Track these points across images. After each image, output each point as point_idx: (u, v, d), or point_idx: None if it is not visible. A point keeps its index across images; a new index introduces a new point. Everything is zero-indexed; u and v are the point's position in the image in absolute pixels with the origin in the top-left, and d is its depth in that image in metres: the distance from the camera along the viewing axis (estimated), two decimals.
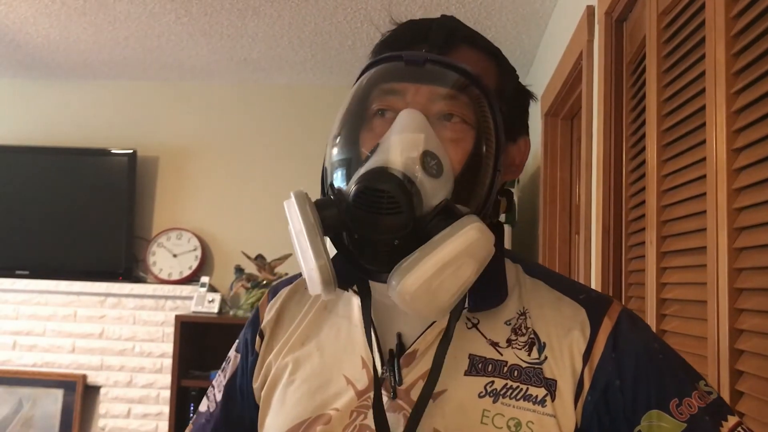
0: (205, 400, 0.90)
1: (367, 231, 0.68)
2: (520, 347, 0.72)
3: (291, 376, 0.79)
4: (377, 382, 0.72)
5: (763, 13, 0.87)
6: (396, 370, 0.73)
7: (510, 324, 0.74)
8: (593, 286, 1.76)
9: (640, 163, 1.44)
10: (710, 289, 0.97)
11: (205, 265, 3.60)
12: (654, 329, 1.22)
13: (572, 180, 2.61)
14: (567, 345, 0.72)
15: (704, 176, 1.03)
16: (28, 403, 3.47)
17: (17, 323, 3.56)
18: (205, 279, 3.46)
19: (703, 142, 1.04)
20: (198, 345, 3.39)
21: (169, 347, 3.38)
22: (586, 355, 0.71)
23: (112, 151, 3.61)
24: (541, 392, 0.70)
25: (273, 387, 0.80)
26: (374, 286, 0.75)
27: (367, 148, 0.72)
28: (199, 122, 3.70)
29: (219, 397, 0.87)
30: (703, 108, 1.05)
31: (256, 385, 0.83)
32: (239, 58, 3.26)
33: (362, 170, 0.69)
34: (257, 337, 0.84)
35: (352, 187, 0.68)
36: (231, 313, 3.38)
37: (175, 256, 3.58)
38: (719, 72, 0.96)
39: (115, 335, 3.52)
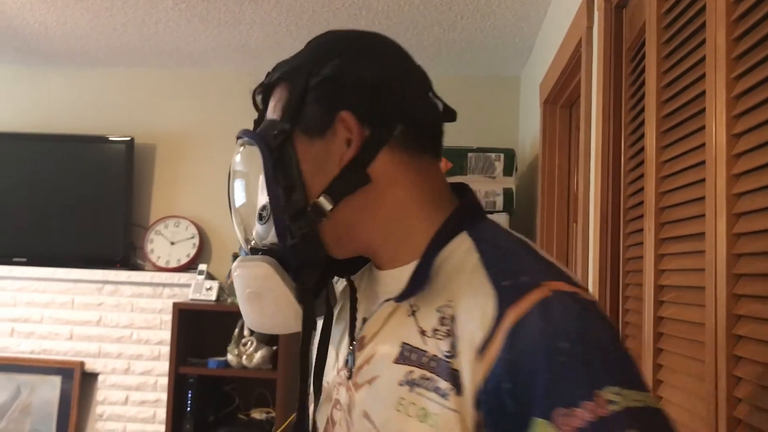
0: None
1: None
2: (441, 337, 0.70)
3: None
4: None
5: None
6: (353, 354, 0.80)
7: (440, 312, 0.71)
8: (591, 275, 1.77)
9: (638, 150, 1.43)
10: (708, 274, 0.97)
11: (202, 253, 3.60)
12: (651, 316, 1.22)
13: (570, 168, 2.61)
14: (469, 339, 0.67)
15: (703, 162, 1.02)
16: (26, 390, 3.47)
17: (15, 310, 3.56)
18: (202, 267, 3.45)
19: (703, 127, 1.03)
20: (196, 332, 3.39)
21: (166, 334, 3.38)
22: (482, 353, 0.65)
23: (110, 139, 3.60)
24: (446, 386, 0.67)
25: None
26: (363, 274, 0.87)
27: None
28: (197, 110, 3.69)
29: None
30: (702, 93, 1.04)
31: None
32: (237, 45, 3.25)
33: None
34: None
35: None
36: (229, 300, 3.37)
37: (172, 243, 3.58)
38: (719, 57, 0.96)
39: (113, 322, 3.52)
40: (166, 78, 3.71)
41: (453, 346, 0.68)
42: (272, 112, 0.81)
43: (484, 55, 3.27)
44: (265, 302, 0.79)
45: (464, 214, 0.78)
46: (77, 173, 3.57)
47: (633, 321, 1.43)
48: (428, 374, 0.69)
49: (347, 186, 0.76)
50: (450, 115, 0.83)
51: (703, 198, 1.02)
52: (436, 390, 0.68)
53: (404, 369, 0.71)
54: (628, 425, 0.59)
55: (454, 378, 0.67)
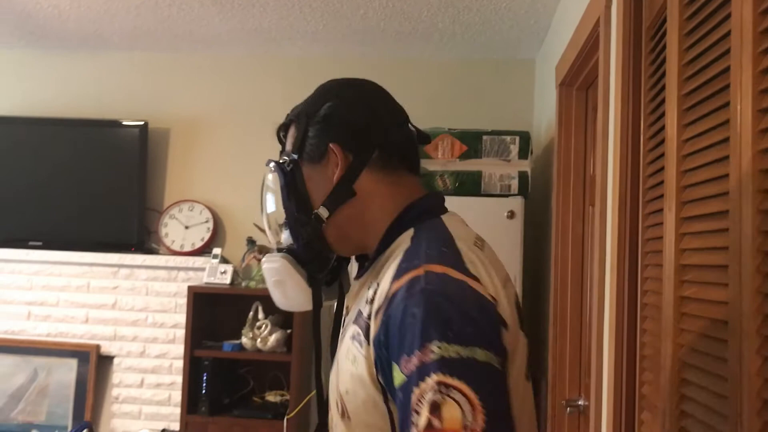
0: None
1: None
2: (370, 304, 0.94)
3: None
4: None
5: None
6: (344, 319, 1.08)
7: (377, 287, 0.95)
8: (608, 257, 1.75)
9: (658, 130, 1.41)
10: (733, 253, 0.96)
11: (217, 237, 3.61)
12: (672, 296, 1.21)
13: (587, 151, 2.58)
14: (375, 305, 0.92)
15: (727, 139, 1.00)
16: (43, 373, 3.50)
17: (31, 294, 3.59)
18: (217, 251, 3.47)
19: (727, 104, 1.01)
20: (210, 316, 3.41)
21: (181, 318, 3.40)
22: (377, 315, 0.90)
23: (124, 123, 3.60)
24: (363, 339, 0.92)
25: None
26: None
27: None
28: (211, 93, 3.68)
29: None
30: (727, 69, 1.02)
31: None
32: (250, 28, 3.24)
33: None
34: None
35: None
36: (243, 284, 3.39)
37: (186, 227, 3.59)
38: (746, 31, 0.94)
39: (128, 306, 3.54)
40: (180, 61, 3.70)
41: (371, 311, 0.92)
42: (288, 145, 1.08)
43: (498, 37, 3.24)
44: (287, 287, 1.08)
45: (412, 214, 1.02)
46: (91, 157, 3.58)
47: (652, 302, 1.42)
48: (361, 331, 0.93)
49: (338, 199, 1.02)
50: (424, 138, 1.10)
51: (726, 176, 1.00)
52: (360, 342, 0.92)
53: (354, 327, 0.96)
54: (439, 369, 0.79)
55: (367, 333, 0.91)
